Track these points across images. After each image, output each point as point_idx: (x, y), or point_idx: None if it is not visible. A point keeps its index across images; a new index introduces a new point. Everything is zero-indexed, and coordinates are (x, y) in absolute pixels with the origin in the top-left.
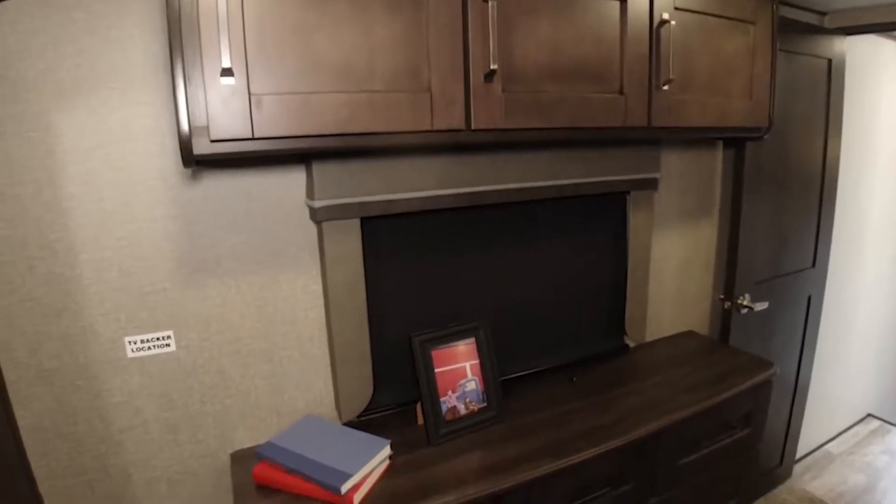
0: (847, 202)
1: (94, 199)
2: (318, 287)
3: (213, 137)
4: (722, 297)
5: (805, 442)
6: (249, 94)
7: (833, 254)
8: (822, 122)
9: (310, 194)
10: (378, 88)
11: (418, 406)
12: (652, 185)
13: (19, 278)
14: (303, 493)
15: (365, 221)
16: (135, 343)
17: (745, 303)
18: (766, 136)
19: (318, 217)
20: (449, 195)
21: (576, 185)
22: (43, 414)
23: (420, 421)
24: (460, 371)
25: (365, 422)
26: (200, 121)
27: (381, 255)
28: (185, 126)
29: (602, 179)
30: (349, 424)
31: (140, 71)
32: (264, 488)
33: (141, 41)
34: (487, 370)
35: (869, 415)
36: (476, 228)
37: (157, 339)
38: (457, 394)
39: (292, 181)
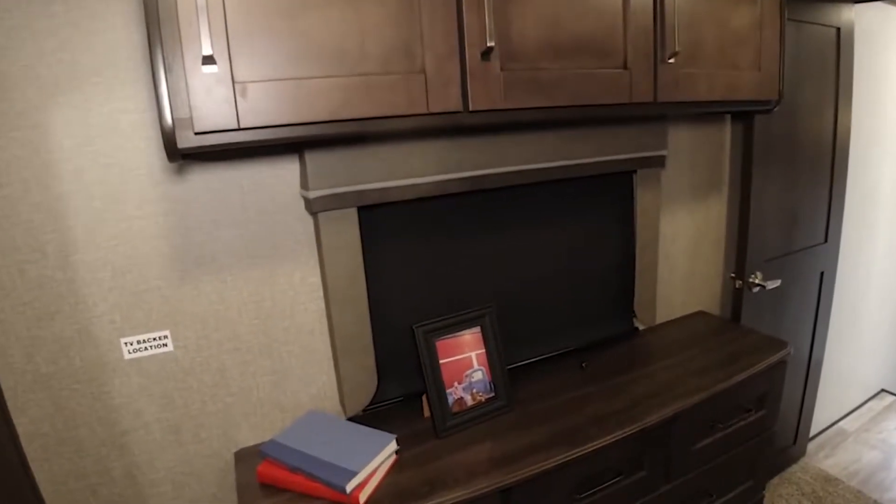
0: (858, 175)
1: (83, 198)
2: (317, 279)
3: (198, 130)
4: (733, 275)
5: (819, 419)
6: (233, 81)
7: (845, 228)
8: (832, 94)
9: (304, 185)
10: (370, 71)
11: (425, 398)
12: (659, 162)
13: (11, 282)
14: (308, 492)
15: (363, 210)
16: (131, 344)
17: (756, 281)
18: (775, 109)
19: (314, 208)
20: (449, 180)
21: (580, 165)
22: (42, 419)
23: (427, 413)
24: (466, 361)
25: (370, 415)
26: (183, 112)
27: (380, 245)
28: (167, 119)
29: (607, 159)
30: (354, 418)
31: (124, 63)
32: (269, 487)
33: (124, 31)
34: (494, 359)
35: (882, 390)
36: (479, 213)
37: (154, 339)
38: (463, 385)
39: (286, 172)
